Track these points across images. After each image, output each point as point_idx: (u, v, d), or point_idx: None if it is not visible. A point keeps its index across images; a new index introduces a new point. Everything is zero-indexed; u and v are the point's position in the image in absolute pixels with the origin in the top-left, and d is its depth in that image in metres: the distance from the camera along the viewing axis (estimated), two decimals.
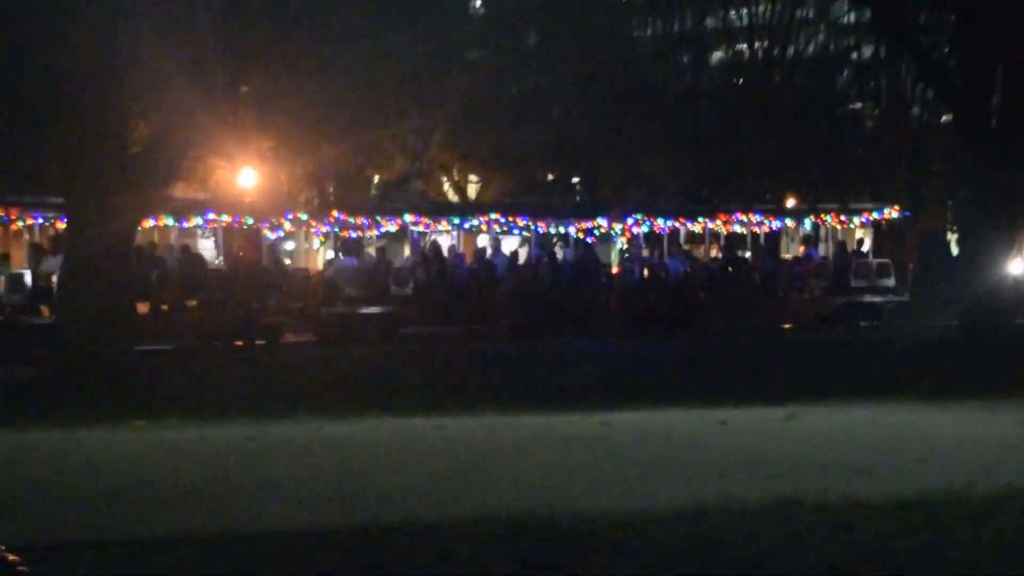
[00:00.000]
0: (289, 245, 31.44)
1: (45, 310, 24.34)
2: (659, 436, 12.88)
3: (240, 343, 25.12)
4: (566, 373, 20.08)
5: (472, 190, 42.04)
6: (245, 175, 32.86)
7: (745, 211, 33.06)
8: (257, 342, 25.18)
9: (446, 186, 41.29)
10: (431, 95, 32.97)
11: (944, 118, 42.41)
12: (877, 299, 31.87)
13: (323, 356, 23.23)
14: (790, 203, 38.21)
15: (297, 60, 27.85)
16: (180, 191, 29.22)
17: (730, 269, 31.90)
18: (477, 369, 20.79)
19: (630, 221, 31.74)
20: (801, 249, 33.53)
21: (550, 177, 41.42)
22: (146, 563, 7.86)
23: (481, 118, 35.13)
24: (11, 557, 6.82)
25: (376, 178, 38.72)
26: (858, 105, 45.53)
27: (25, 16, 17.94)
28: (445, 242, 31.90)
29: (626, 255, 31.92)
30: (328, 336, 26.54)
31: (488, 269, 29.67)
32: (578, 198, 39.72)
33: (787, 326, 30.67)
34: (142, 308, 24.95)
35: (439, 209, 32.45)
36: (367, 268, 28.04)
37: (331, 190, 35.51)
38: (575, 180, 41.42)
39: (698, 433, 13.11)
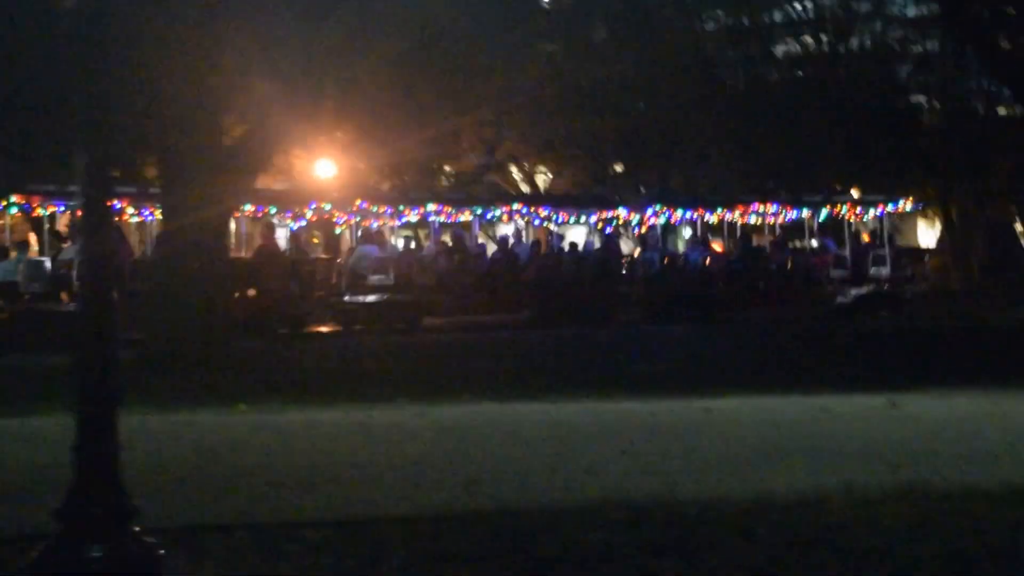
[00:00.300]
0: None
1: (64, 297, 24.16)
2: (763, 423, 12.55)
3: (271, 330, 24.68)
4: (646, 360, 19.80)
5: (540, 181, 41.79)
6: (324, 166, 32.80)
7: (763, 202, 32.82)
8: (280, 331, 24.79)
9: (517, 177, 41.06)
10: (504, 86, 32.74)
11: (1005, 111, 41.89)
12: (895, 289, 31.53)
13: (398, 342, 23.15)
14: (854, 194, 37.80)
15: (376, 55, 27.71)
16: (261, 181, 29.16)
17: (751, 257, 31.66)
18: (551, 355, 20.57)
19: (649, 212, 31.60)
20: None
21: (619, 168, 41.12)
22: (275, 546, 7.63)
23: (552, 109, 34.87)
24: (148, 539, 6.62)
25: (448, 169, 38.53)
26: (921, 98, 45.00)
27: (128, 19, 17.92)
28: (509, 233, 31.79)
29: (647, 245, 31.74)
30: (351, 324, 26.20)
31: (510, 258, 29.53)
32: (643, 189, 39.44)
33: (852, 314, 30.17)
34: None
35: (462, 200, 32.11)
36: (389, 257, 27.81)
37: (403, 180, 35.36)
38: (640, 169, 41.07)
39: (802, 420, 12.76)
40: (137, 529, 6.59)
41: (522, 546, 7.68)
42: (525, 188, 40.24)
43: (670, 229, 33.24)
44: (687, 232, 35.02)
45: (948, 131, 41.11)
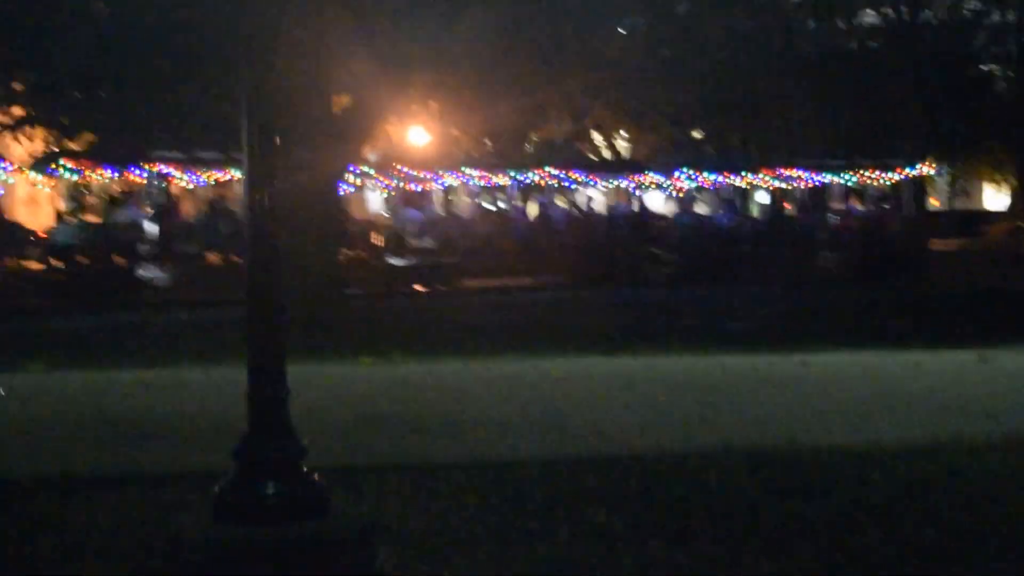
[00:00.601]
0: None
1: (119, 259, 24.41)
2: (861, 376, 12.65)
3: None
4: (726, 317, 19.83)
5: (621, 147, 41.74)
6: (417, 133, 32.97)
7: (788, 166, 32.76)
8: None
9: (600, 144, 41.00)
10: (591, 56, 32.71)
11: None
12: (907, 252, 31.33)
13: (481, 300, 23.38)
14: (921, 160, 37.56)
15: (470, 30, 27.80)
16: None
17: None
18: (632, 314, 20.59)
19: (677, 175, 31.67)
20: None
21: (699, 135, 40.96)
22: (424, 486, 7.87)
23: (637, 79, 34.79)
24: (316, 478, 6.85)
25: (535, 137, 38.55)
26: (995, 67, 44.47)
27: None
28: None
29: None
30: (393, 286, 26.22)
31: (546, 222, 29.70)
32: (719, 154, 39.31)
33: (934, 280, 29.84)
34: (213, 259, 24.98)
35: (498, 164, 32.12)
36: (431, 220, 27.96)
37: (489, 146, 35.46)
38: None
39: (897, 374, 12.82)
40: (306, 469, 6.85)
41: (652, 488, 7.88)
42: (607, 155, 40.20)
43: (745, 194, 33.40)
44: (763, 197, 34.98)
45: (1021, 99, 40.63)
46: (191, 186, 28.07)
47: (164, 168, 26.84)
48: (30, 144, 26.56)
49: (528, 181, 31.15)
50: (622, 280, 27.37)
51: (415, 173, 29.07)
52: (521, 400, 11.05)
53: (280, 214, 7.23)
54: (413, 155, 30.73)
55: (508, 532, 6.96)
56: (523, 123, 34.70)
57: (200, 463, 8.01)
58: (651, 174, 32.24)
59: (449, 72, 28.05)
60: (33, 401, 11.40)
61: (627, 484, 7.93)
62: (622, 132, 40.94)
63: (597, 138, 40.23)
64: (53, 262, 24.15)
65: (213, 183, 27.87)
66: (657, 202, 33.78)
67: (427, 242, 27.28)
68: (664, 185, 32.49)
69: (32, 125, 25.99)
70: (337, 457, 8.22)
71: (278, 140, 7.33)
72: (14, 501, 7.67)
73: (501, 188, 31.49)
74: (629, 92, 34.38)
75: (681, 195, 33.00)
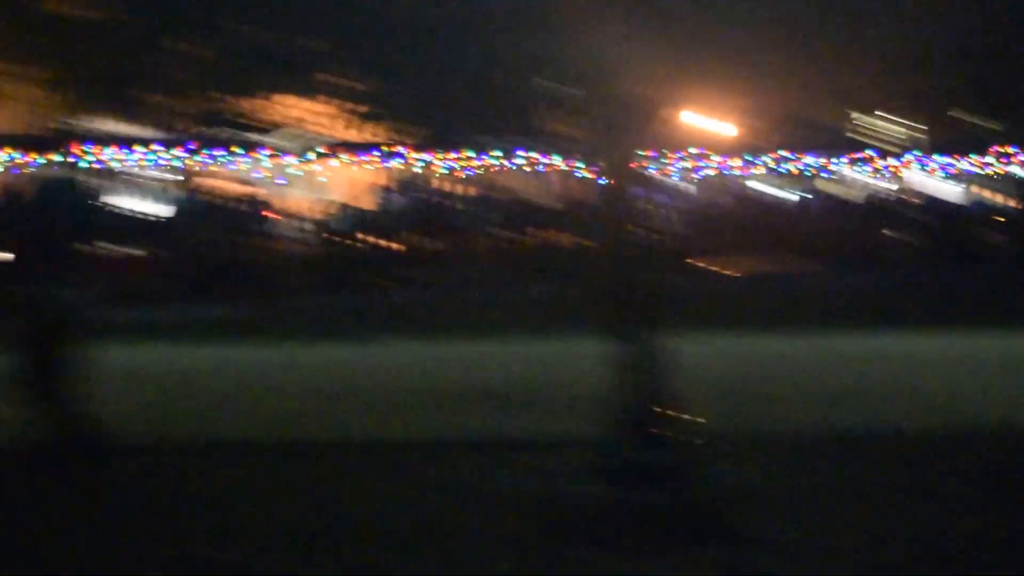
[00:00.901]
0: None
1: (394, 244, 24.63)
2: None
3: None
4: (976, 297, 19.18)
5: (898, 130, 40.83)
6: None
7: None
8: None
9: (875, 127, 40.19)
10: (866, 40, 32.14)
11: None
12: None
13: (748, 281, 23.09)
14: None
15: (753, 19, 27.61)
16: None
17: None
18: (903, 294, 20.01)
19: (909, 157, 31.12)
20: None
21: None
22: (794, 456, 8.01)
23: (910, 63, 34.03)
24: (693, 444, 7.06)
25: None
26: None
27: None
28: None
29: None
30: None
31: (794, 206, 29.40)
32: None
33: None
34: (480, 240, 25.11)
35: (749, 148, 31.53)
36: (668, 202, 27.85)
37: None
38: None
39: None
40: (681, 436, 7.06)
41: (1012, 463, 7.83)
42: (865, 138, 39.38)
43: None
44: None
45: None
46: (444, 170, 28.07)
47: (425, 155, 27.02)
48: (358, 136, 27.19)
49: (780, 167, 30.86)
50: (865, 262, 26.86)
51: (653, 155, 29.08)
52: (859, 375, 11.09)
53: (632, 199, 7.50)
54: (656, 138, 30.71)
55: (867, 501, 7.00)
56: (786, 107, 34.26)
57: (557, 429, 8.23)
58: (889, 158, 31.67)
59: (726, 56, 27.91)
60: (396, 372, 11.83)
61: (988, 458, 7.89)
62: (882, 114, 40.11)
63: (856, 120, 39.53)
64: (336, 245, 24.74)
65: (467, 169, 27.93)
66: (902, 184, 33.13)
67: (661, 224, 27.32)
68: (910, 168, 31.84)
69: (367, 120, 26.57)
70: (700, 427, 8.35)
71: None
72: (397, 462, 8.02)
73: (749, 171, 31.21)
74: (904, 75, 33.66)
75: (929, 177, 32.32)
